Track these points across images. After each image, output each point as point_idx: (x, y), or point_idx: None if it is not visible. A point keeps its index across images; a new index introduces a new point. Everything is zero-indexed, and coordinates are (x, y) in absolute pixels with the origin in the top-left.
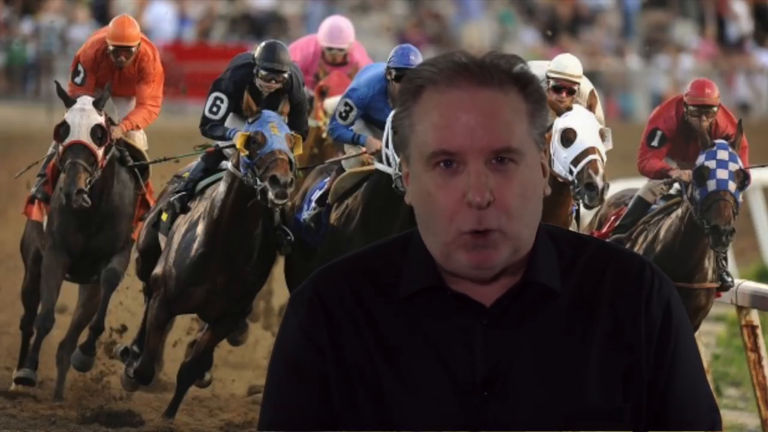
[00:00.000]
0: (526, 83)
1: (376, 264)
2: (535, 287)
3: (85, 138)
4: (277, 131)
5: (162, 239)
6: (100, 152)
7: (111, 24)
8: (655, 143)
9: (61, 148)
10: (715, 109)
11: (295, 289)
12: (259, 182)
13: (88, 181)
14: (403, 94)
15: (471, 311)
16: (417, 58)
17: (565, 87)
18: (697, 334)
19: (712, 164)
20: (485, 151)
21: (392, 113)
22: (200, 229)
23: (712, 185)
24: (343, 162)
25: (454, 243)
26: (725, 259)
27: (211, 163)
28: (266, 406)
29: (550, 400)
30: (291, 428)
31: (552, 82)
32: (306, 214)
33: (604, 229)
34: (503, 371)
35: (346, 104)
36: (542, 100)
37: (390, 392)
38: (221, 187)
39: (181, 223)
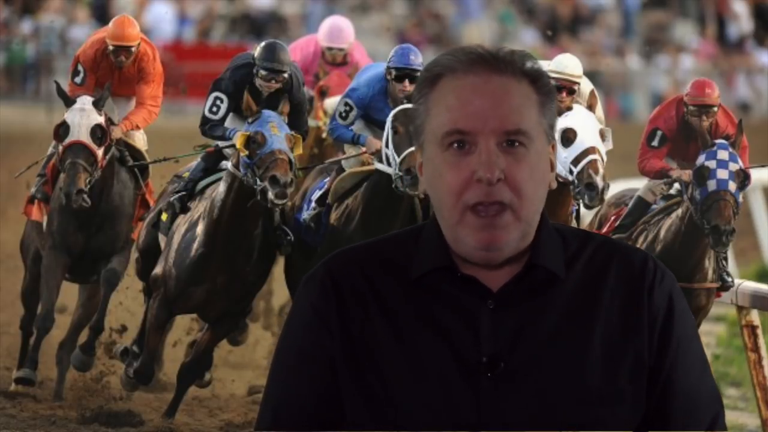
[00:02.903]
0: (536, 77)
1: (388, 250)
2: (540, 271)
3: (85, 138)
4: (277, 131)
5: (162, 239)
6: (99, 152)
7: (111, 24)
8: (655, 143)
9: (60, 148)
10: (716, 109)
11: (308, 272)
12: (259, 182)
13: (87, 181)
14: (421, 82)
15: (478, 294)
16: (417, 58)
17: (565, 87)
18: None
19: (712, 164)
20: (497, 132)
21: (392, 113)
22: (200, 229)
23: (712, 185)
24: (343, 162)
25: (461, 222)
26: (725, 259)
27: (211, 163)
28: (273, 382)
29: (553, 382)
30: (296, 407)
31: (552, 82)
32: (306, 214)
33: (605, 229)
34: (507, 353)
35: (346, 104)
36: (551, 93)
37: (396, 371)
38: (221, 187)
39: (181, 223)
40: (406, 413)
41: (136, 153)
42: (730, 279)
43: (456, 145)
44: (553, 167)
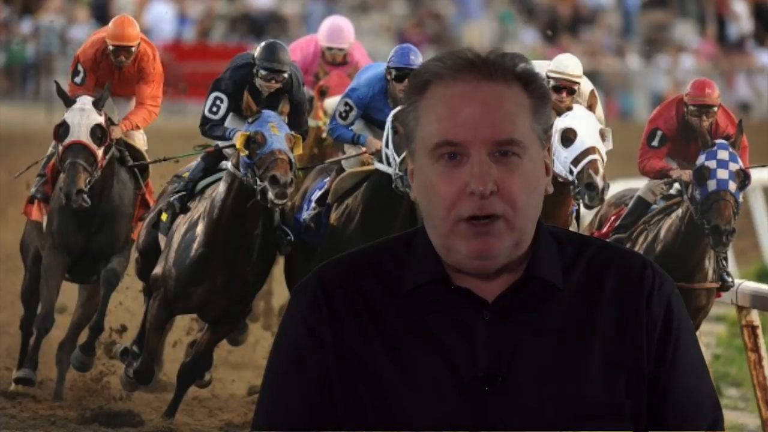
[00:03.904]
0: (529, 80)
1: (380, 259)
2: (537, 282)
3: (85, 138)
4: (277, 131)
5: (162, 239)
6: (99, 152)
7: (111, 24)
8: (655, 143)
9: (60, 148)
10: (716, 108)
11: (299, 281)
12: (259, 182)
13: (87, 181)
14: (410, 89)
15: (473, 306)
16: (417, 58)
17: (566, 87)
18: (697, 334)
19: (712, 164)
20: (488, 142)
21: (392, 113)
22: (200, 229)
23: (712, 185)
24: (343, 162)
25: (453, 232)
26: (725, 259)
27: (211, 163)
28: (265, 395)
29: (552, 395)
30: (289, 419)
31: (552, 82)
32: (306, 214)
33: (605, 229)
34: (505, 366)
35: (346, 104)
36: (545, 97)
37: (391, 385)
38: (221, 187)
39: (181, 223)
40: (401, 427)
41: (136, 153)
42: (730, 279)
43: (447, 156)
44: (548, 171)
